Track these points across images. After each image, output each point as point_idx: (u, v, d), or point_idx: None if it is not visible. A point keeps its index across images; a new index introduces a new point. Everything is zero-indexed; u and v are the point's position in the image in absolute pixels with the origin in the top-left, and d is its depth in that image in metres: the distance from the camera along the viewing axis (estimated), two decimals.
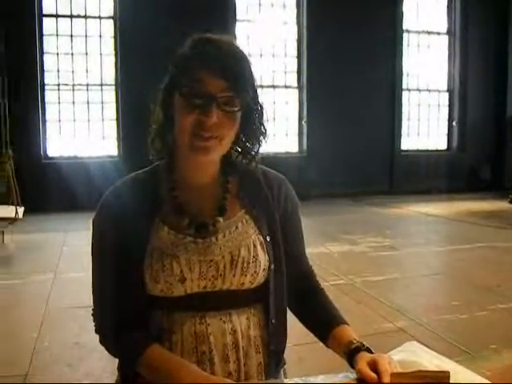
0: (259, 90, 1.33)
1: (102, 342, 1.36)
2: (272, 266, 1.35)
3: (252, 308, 1.36)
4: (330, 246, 6.24)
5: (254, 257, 1.31)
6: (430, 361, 1.21)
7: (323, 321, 1.42)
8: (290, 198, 1.45)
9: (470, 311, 4.13)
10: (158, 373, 1.22)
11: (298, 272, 1.46)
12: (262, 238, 1.34)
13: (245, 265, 1.30)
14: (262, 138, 1.36)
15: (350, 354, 1.29)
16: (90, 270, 1.37)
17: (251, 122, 1.31)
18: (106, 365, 3.11)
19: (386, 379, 1.11)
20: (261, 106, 1.33)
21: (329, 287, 4.70)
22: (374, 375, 1.13)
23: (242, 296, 1.33)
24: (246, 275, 1.30)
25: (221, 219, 1.32)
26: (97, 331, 1.37)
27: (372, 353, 1.26)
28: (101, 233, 1.35)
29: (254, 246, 1.32)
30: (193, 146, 1.23)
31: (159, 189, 1.35)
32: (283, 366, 1.47)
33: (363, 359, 1.21)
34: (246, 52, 1.29)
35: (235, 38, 9.88)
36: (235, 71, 1.21)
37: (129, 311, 1.29)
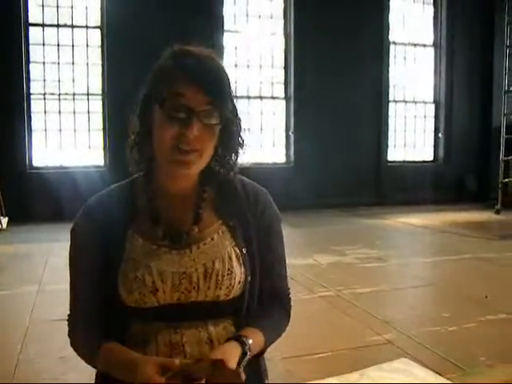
0: (238, 101, 1.33)
1: (71, 342, 1.39)
2: (249, 279, 1.33)
3: (229, 318, 1.34)
4: (317, 258, 6.21)
5: (229, 269, 1.29)
6: (425, 379, 1.19)
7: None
8: (268, 210, 1.43)
9: (459, 323, 4.11)
10: (107, 364, 1.26)
11: (269, 287, 1.42)
12: (238, 250, 1.33)
13: (219, 278, 1.28)
14: (240, 148, 1.36)
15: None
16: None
17: (230, 134, 1.31)
18: (91, 378, 3.05)
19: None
20: (238, 118, 1.33)
21: (317, 299, 4.71)
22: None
23: (217, 307, 1.32)
24: (220, 288, 1.29)
25: (195, 228, 1.31)
26: (69, 333, 1.39)
27: (243, 356, 1.24)
28: (79, 238, 1.36)
29: (230, 258, 1.31)
30: (173, 159, 1.23)
31: (136, 199, 1.36)
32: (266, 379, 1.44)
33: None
34: (225, 63, 1.29)
35: (223, 48, 9.92)
36: (215, 85, 1.21)
37: (95, 313, 1.30)
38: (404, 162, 11.79)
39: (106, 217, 1.31)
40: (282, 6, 10.66)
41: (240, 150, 1.35)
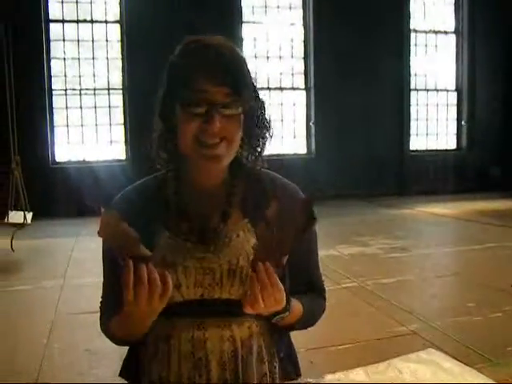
0: (262, 91, 1.30)
1: (100, 325, 1.39)
2: None
3: (254, 318, 1.31)
4: (340, 249, 6.19)
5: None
6: (452, 369, 1.17)
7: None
8: None
9: (484, 313, 4.07)
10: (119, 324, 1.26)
11: (302, 287, 1.38)
12: None
13: (243, 275, 1.26)
14: (266, 135, 1.33)
15: None
16: (99, 275, 1.39)
17: (254, 121, 1.28)
18: (117, 371, 3.07)
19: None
20: (262, 104, 1.31)
21: (340, 290, 4.69)
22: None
23: (242, 306, 1.27)
24: (245, 285, 1.25)
25: (221, 225, 1.29)
26: (100, 318, 1.40)
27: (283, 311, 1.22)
28: None
29: None
30: (202, 154, 1.21)
31: (165, 194, 1.35)
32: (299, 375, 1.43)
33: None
34: (245, 55, 1.27)
35: (242, 40, 9.89)
36: (234, 75, 1.18)
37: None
38: (426, 151, 11.68)
39: (134, 211, 1.30)
40: None
41: (266, 137, 1.33)
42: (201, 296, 1.26)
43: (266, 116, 1.32)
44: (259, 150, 1.33)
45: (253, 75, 1.27)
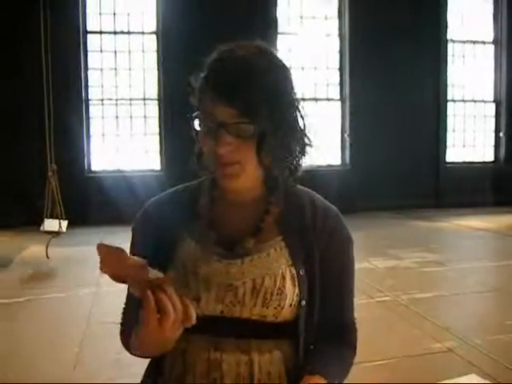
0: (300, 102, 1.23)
1: (121, 339, 1.36)
2: (303, 303, 1.23)
3: (277, 343, 1.24)
4: (374, 261, 6.10)
5: (279, 288, 1.20)
6: None
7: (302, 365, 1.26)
8: (339, 232, 1.30)
9: None
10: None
11: (332, 319, 1.30)
12: (294, 271, 1.22)
13: (267, 296, 1.19)
14: (299, 153, 1.23)
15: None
16: None
17: (278, 140, 1.17)
18: None
19: None
20: (294, 119, 1.21)
21: (374, 304, 4.61)
22: None
23: (264, 328, 1.22)
24: (267, 307, 1.19)
25: (252, 240, 1.23)
26: (120, 332, 1.36)
27: None
28: (136, 237, 1.34)
29: (283, 277, 1.21)
30: (218, 173, 1.19)
31: (198, 203, 1.31)
32: None
33: None
34: (273, 61, 1.18)
35: (277, 51, 9.87)
36: (245, 96, 1.10)
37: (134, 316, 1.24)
38: (463, 163, 11.48)
39: (163, 218, 1.28)
40: (337, 6, 10.55)
41: (299, 155, 1.23)
42: (220, 313, 1.21)
43: (304, 130, 1.23)
44: (292, 167, 1.25)
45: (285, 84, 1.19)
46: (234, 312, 1.20)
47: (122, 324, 1.37)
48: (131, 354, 1.31)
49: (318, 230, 1.27)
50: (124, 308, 1.37)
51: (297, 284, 1.22)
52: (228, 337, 1.22)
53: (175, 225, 1.27)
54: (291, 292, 1.21)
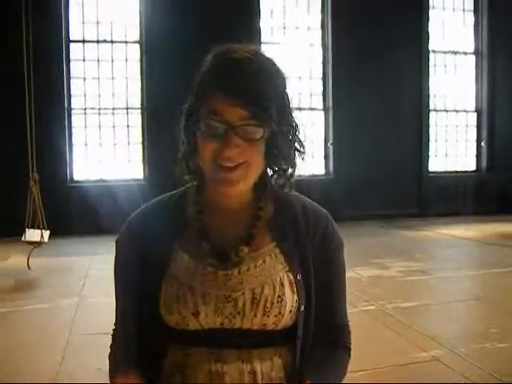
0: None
1: (109, 354, 1.33)
2: (302, 308, 1.21)
3: (277, 349, 1.23)
4: (358, 270, 6.09)
5: (279, 296, 1.18)
6: None
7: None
8: (329, 236, 1.29)
9: (509, 339, 3.95)
10: None
11: (327, 321, 1.29)
12: (291, 276, 1.21)
13: (268, 305, 1.17)
14: (295, 158, 1.24)
15: None
16: (114, 295, 1.33)
17: (279, 145, 1.19)
18: None
19: None
20: (293, 125, 1.22)
21: (358, 313, 4.59)
22: None
23: (265, 337, 1.21)
24: (268, 316, 1.18)
25: (245, 249, 1.21)
26: (110, 345, 1.34)
27: None
28: (122, 253, 1.30)
29: (282, 284, 1.19)
30: (216, 177, 1.15)
31: (185, 212, 1.27)
32: None
33: None
34: (274, 65, 1.19)
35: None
36: (255, 97, 1.10)
37: (134, 330, 1.24)
38: (445, 172, 11.57)
39: (149, 231, 1.24)
40: (320, 17, 10.62)
41: (296, 160, 1.24)
42: (220, 325, 1.18)
43: (300, 137, 1.24)
44: (289, 173, 1.25)
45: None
46: (235, 323, 1.18)
47: (113, 340, 1.34)
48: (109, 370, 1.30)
49: (310, 234, 1.26)
50: (115, 324, 1.33)
51: (295, 290, 1.21)
52: (229, 348, 1.19)
53: (163, 237, 1.23)
54: (290, 299, 1.20)
